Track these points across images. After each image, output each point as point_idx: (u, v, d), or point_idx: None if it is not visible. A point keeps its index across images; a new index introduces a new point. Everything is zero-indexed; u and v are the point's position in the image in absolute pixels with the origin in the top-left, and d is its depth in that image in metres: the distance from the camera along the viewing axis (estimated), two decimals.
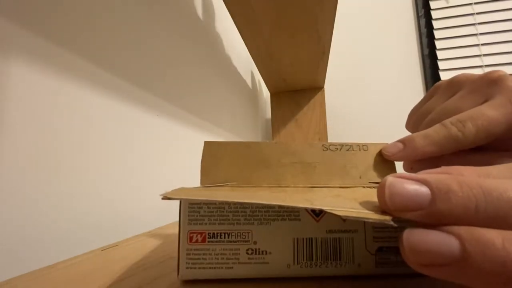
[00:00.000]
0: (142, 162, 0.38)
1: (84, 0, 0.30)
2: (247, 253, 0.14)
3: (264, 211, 0.15)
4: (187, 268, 0.14)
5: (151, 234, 0.29)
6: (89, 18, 0.30)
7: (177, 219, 0.15)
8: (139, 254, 0.21)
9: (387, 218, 0.10)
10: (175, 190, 0.14)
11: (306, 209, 0.14)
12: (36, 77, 0.24)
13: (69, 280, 0.16)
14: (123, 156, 0.34)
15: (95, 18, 0.31)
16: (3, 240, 0.21)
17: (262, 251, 0.14)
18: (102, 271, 0.17)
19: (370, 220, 0.10)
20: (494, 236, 0.08)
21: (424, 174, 0.10)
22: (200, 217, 0.14)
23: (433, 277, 0.09)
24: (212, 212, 0.15)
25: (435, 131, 0.19)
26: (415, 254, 0.09)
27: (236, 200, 0.11)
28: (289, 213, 0.15)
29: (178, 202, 0.15)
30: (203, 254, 0.14)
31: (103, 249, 0.23)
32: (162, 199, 0.11)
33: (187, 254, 0.14)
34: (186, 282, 0.15)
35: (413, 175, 0.10)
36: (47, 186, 0.25)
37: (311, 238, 0.14)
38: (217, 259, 0.14)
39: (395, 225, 0.10)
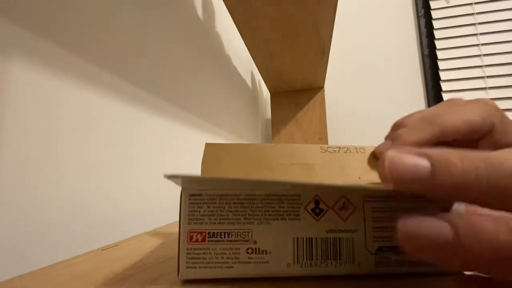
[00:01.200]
0: (142, 162, 0.38)
1: (84, 1, 0.30)
2: (247, 253, 0.14)
3: (264, 211, 0.15)
4: (187, 267, 0.14)
5: (152, 234, 0.29)
6: (89, 19, 0.30)
7: (177, 218, 0.15)
8: (139, 254, 0.21)
9: (387, 186, 0.10)
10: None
11: (306, 209, 0.15)
12: (37, 77, 0.24)
13: (69, 280, 0.16)
14: (123, 156, 0.34)
15: (95, 18, 0.31)
16: (3, 240, 0.21)
17: (262, 251, 0.14)
18: (102, 271, 0.17)
19: (369, 188, 0.10)
20: (486, 219, 0.09)
21: (424, 149, 0.10)
22: (200, 217, 0.15)
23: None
24: (212, 211, 0.15)
25: (418, 122, 0.20)
26: (410, 239, 0.10)
27: (246, 179, 0.11)
28: (289, 213, 0.15)
29: (178, 202, 0.15)
30: (203, 253, 0.14)
31: (103, 249, 0.23)
32: (164, 177, 0.11)
33: (187, 254, 0.14)
34: (186, 281, 0.15)
35: (413, 148, 0.10)
36: (47, 186, 0.25)
37: (311, 238, 0.14)
38: (217, 258, 0.14)
39: (392, 188, 0.10)
